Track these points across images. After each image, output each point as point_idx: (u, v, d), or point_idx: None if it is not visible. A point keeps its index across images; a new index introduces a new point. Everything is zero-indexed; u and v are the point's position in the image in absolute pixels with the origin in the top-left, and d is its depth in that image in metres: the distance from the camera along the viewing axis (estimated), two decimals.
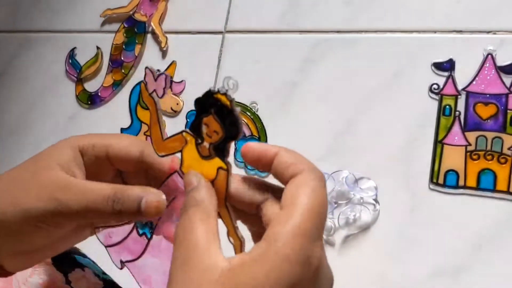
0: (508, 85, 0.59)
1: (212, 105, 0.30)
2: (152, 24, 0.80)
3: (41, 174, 0.34)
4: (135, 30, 0.82)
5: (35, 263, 0.39)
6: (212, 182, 0.32)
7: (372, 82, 0.65)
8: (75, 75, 0.84)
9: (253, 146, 0.32)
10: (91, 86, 0.83)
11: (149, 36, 0.81)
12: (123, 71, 0.81)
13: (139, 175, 0.37)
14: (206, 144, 0.31)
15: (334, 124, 0.66)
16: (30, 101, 0.87)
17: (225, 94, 0.30)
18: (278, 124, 0.69)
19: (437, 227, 0.58)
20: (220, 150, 0.31)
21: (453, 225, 0.57)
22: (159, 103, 0.34)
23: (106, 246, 0.39)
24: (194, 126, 0.31)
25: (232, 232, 0.32)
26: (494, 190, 0.56)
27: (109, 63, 0.82)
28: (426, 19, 0.65)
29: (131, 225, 0.37)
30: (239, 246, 0.32)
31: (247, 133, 0.69)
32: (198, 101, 0.31)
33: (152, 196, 0.33)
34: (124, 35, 0.82)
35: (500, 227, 0.56)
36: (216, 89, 0.30)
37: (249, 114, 0.70)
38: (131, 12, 0.83)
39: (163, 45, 0.79)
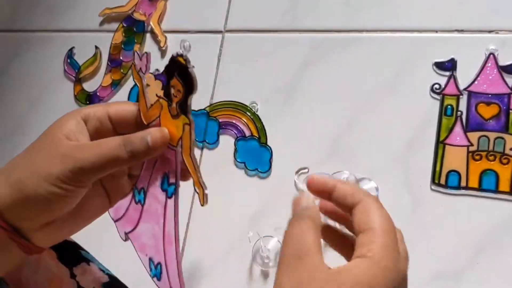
0: (510, 85, 0.58)
1: (175, 68, 0.35)
2: (151, 23, 0.80)
3: (51, 145, 0.38)
4: (134, 30, 0.81)
5: (63, 236, 0.42)
6: (181, 138, 0.37)
7: (373, 82, 0.65)
8: (74, 75, 0.83)
9: (316, 178, 0.39)
10: (90, 86, 0.82)
11: (148, 35, 0.81)
12: (122, 70, 0.80)
13: None
14: (174, 104, 0.36)
15: (335, 124, 0.65)
16: (30, 101, 0.86)
17: (181, 56, 0.35)
18: (278, 124, 0.68)
19: (439, 228, 0.57)
20: (183, 107, 0.36)
21: (455, 226, 0.57)
22: (144, 79, 0.39)
23: (115, 221, 0.43)
24: (165, 91, 0.37)
25: (196, 181, 0.37)
26: (496, 191, 0.56)
27: (108, 63, 0.82)
28: (427, 19, 0.65)
29: (131, 196, 0.42)
30: (202, 194, 0.37)
31: (247, 133, 0.68)
32: (166, 68, 0.36)
33: (155, 131, 0.38)
34: (123, 34, 0.82)
35: (502, 228, 0.55)
36: (175, 53, 0.35)
37: (249, 114, 0.69)
38: (130, 12, 0.82)
39: (162, 44, 0.78)
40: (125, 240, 0.43)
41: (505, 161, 0.56)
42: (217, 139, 0.70)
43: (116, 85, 0.80)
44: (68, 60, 0.84)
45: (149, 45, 0.80)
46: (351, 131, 0.64)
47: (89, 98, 0.81)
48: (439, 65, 0.62)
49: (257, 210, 0.64)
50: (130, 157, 0.38)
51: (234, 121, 0.70)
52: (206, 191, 0.37)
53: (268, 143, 0.67)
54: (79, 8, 0.88)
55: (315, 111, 0.67)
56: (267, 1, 0.74)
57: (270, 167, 0.66)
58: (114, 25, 0.83)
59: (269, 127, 0.68)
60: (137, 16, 0.82)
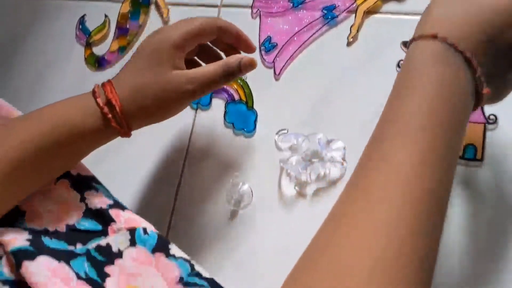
0: None
1: None
2: None
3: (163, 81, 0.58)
4: (140, 1, 0.90)
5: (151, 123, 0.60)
6: None
7: (348, 59, 0.73)
8: (84, 40, 0.92)
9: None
10: (99, 50, 0.91)
11: (153, 7, 0.89)
12: (128, 38, 0.88)
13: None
14: None
15: (314, 94, 0.74)
16: (45, 63, 0.95)
17: None
18: (264, 91, 0.76)
19: None
20: None
21: None
22: None
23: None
24: None
25: None
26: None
27: (115, 30, 0.90)
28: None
29: None
30: None
31: (236, 97, 0.77)
32: None
33: (246, 58, 0.59)
34: (130, 5, 0.90)
35: None
36: None
37: (239, 81, 0.78)
38: None
39: (164, 15, 0.86)
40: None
41: None
42: (210, 102, 0.79)
43: (122, 50, 0.88)
44: (80, 26, 0.93)
45: (153, 16, 0.89)
46: (328, 99, 0.73)
47: (97, 61, 0.90)
48: (406, 44, 0.70)
49: (241, 164, 0.74)
50: (225, 78, 0.59)
51: (225, 87, 0.78)
52: None
53: (254, 107, 0.76)
54: None
55: (297, 82, 0.75)
56: None
57: (255, 127, 0.75)
58: None
59: (256, 93, 0.77)
60: None
